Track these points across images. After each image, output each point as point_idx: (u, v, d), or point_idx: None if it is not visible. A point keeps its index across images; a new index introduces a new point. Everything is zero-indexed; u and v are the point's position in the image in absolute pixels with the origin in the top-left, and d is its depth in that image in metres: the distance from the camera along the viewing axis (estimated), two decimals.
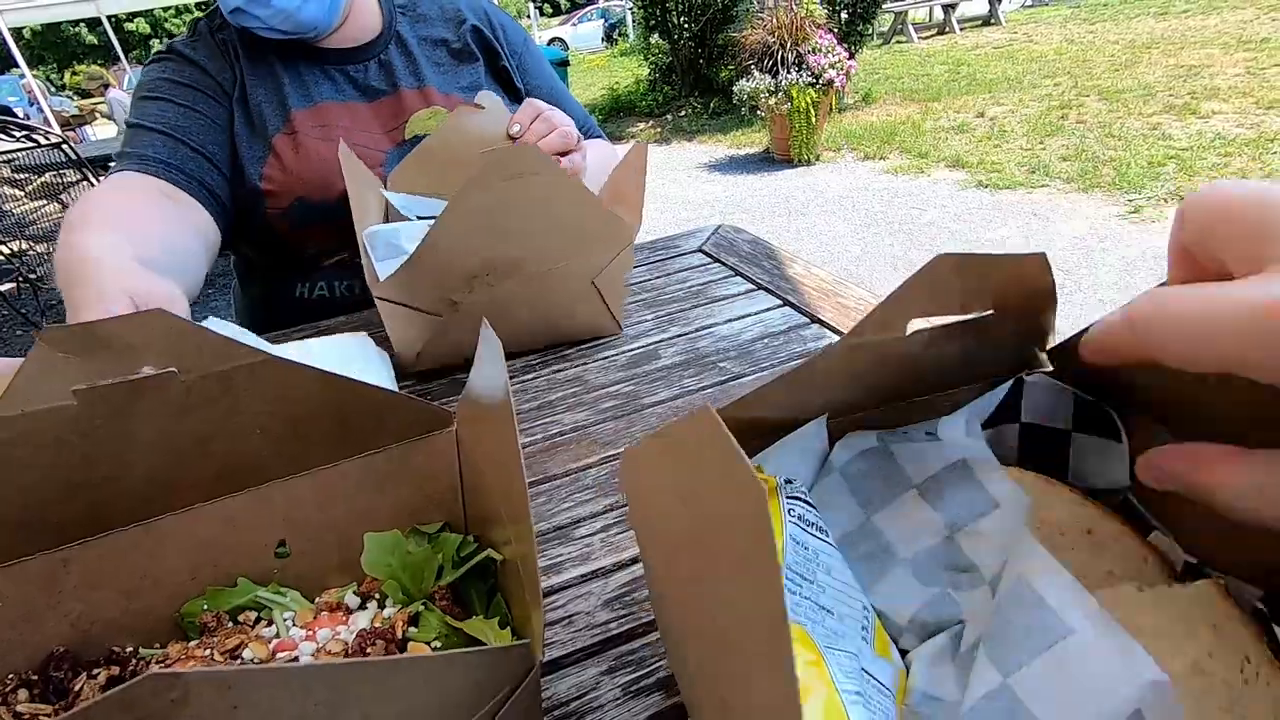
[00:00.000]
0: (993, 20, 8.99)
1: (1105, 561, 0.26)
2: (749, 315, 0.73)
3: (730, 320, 0.73)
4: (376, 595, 0.36)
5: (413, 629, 0.32)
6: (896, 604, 0.26)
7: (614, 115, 7.68)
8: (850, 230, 3.68)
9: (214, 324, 0.57)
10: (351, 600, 0.36)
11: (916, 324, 0.27)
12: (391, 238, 0.62)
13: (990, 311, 0.27)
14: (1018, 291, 0.27)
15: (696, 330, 0.72)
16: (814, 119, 4.69)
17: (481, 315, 0.63)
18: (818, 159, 4.91)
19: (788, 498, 0.26)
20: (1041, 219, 3.43)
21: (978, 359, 0.30)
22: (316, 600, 0.37)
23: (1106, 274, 2.83)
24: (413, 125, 0.91)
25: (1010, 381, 0.31)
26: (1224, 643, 0.23)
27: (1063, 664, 0.20)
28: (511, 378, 0.68)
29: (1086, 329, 0.23)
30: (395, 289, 0.58)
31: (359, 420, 0.38)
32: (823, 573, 0.24)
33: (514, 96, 1.00)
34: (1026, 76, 6.00)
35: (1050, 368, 0.31)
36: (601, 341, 0.72)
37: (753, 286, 0.80)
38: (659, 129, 6.77)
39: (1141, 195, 3.46)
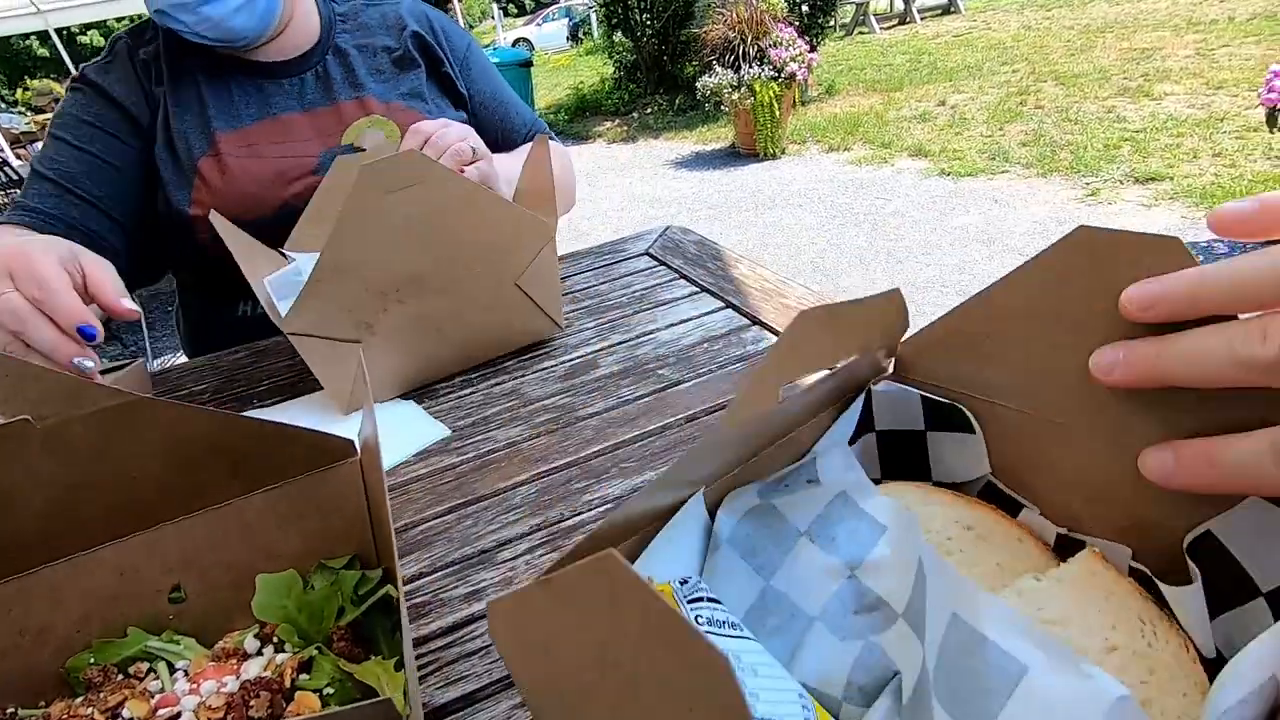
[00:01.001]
0: (952, 9, 9.09)
1: (992, 554, 0.27)
2: (690, 319, 0.72)
3: (672, 325, 0.72)
4: (275, 639, 0.35)
5: (304, 676, 0.31)
6: (826, 674, 0.24)
7: (580, 115, 7.64)
8: (817, 223, 3.70)
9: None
10: (251, 644, 0.35)
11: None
12: (290, 276, 0.60)
13: (855, 357, 0.27)
14: (880, 331, 0.27)
15: (638, 337, 0.71)
16: (778, 112, 4.70)
17: (405, 337, 0.62)
18: (783, 152, 4.93)
19: (688, 601, 0.24)
20: (1003, 205, 3.47)
21: (835, 391, 0.31)
22: (215, 646, 0.35)
23: None
24: (350, 134, 0.89)
25: (861, 395, 0.31)
26: (1120, 611, 0.23)
27: (1029, 706, 0.19)
28: (449, 394, 0.66)
29: (923, 330, 0.23)
30: (301, 320, 0.56)
31: (256, 456, 0.37)
32: (749, 676, 0.22)
33: (457, 102, 0.98)
34: (986, 64, 6.07)
35: (890, 371, 0.32)
36: (542, 351, 0.71)
37: (697, 289, 0.79)
38: (625, 127, 6.75)
39: (1098, 178, 3.52)
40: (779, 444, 0.30)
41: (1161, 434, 0.23)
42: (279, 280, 0.60)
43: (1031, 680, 0.19)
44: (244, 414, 0.67)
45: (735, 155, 5.15)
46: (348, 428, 0.62)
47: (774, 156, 4.87)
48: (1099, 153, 3.77)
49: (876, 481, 0.32)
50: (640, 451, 0.54)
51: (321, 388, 0.63)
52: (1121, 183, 3.43)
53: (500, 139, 1.00)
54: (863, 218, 3.66)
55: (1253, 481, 0.20)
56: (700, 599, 0.24)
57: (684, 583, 0.25)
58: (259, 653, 0.34)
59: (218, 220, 0.60)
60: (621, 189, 4.98)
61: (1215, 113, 3.95)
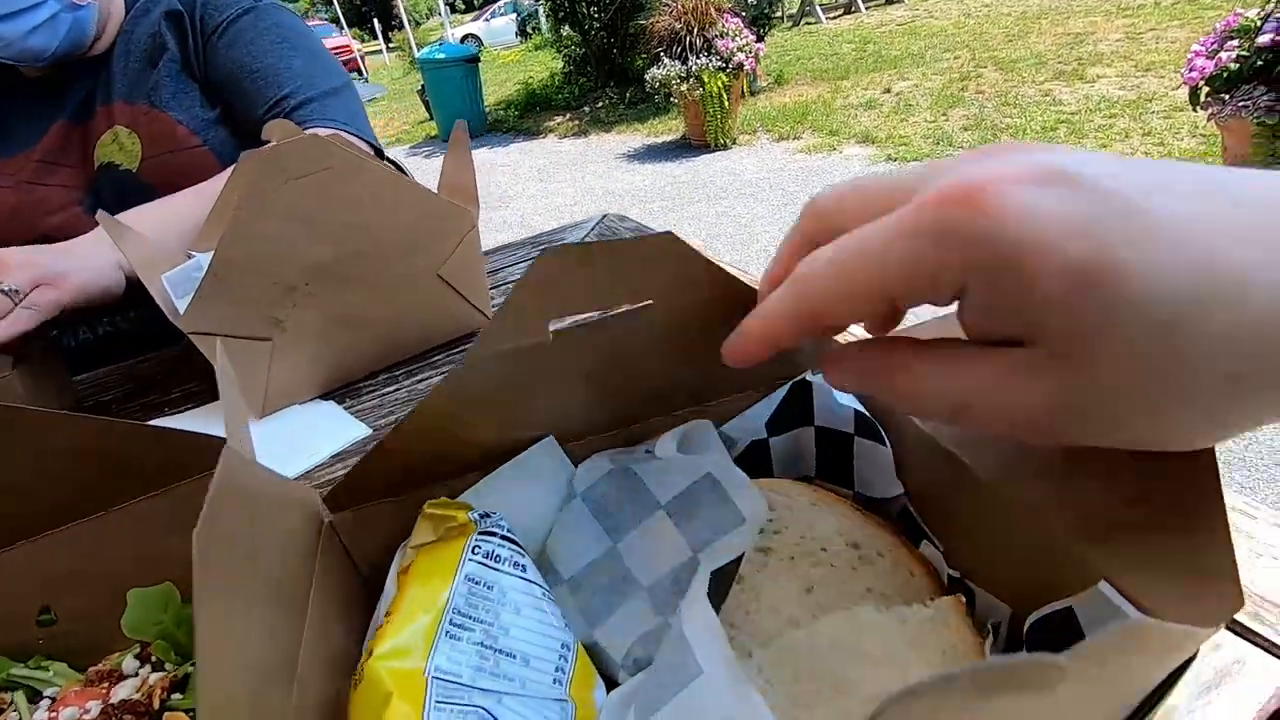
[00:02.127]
0: None
1: (865, 578, 0.25)
2: None
3: None
4: (154, 658, 0.32)
5: (176, 695, 0.29)
6: (617, 639, 0.25)
7: (530, 110, 7.56)
8: (768, 212, 3.72)
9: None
10: (130, 665, 0.32)
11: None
12: (190, 273, 0.57)
13: (649, 301, 0.26)
14: (663, 275, 0.25)
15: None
16: (727, 103, 4.72)
17: (320, 332, 0.60)
18: (734, 143, 4.95)
19: (480, 534, 0.25)
20: None
21: (762, 377, 0.30)
22: (90, 670, 0.33)
23: None
24: (99, 155, 0.81)
25: (786, 387, 0.30)
26: (947, 668, 0.22)
27: (689, 708, 0.19)
28: (372, 392, 0.63)
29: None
30: (202, 318, 0.53)
31: (137, 463, 0.34)
32: (509, 612, 0.23)
33: (201, 86, 0.84)
34: (929, 51, 6.19)
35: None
36: (471, 344, 0.69)
37: None
38: (577, 121, 6.70)
39: None
40: (673, 415, 0.29)
41: (1072, 504, 0.22)
42: (176, 277, 0.56)
43: (697, 685, 0.19)
44: (149, 421, 0.64)
45: (687, 147, 5.15)
46: (260, 432, 0.59)
47: (725, 147, 4.89)
48: (1037, 135, 3.87)
49: (809, 480, 0.32)
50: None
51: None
52: None
53: (266, 116, 0.82)
54: None
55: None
56: (493, 534, 0.25)
57: (485, 516, 0.26)
58: (136, 674, 0.31)
59: (105, 219, 0.56)
60: (574, 184, 4.94)
61: (1144, 94, 4.09)
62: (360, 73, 15.02)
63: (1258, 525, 0.36)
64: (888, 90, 5.33)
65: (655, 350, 0.29)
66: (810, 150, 4.49)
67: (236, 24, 0.83)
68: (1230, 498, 0.37)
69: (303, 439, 0.56)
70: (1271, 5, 2.29)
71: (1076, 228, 0.15)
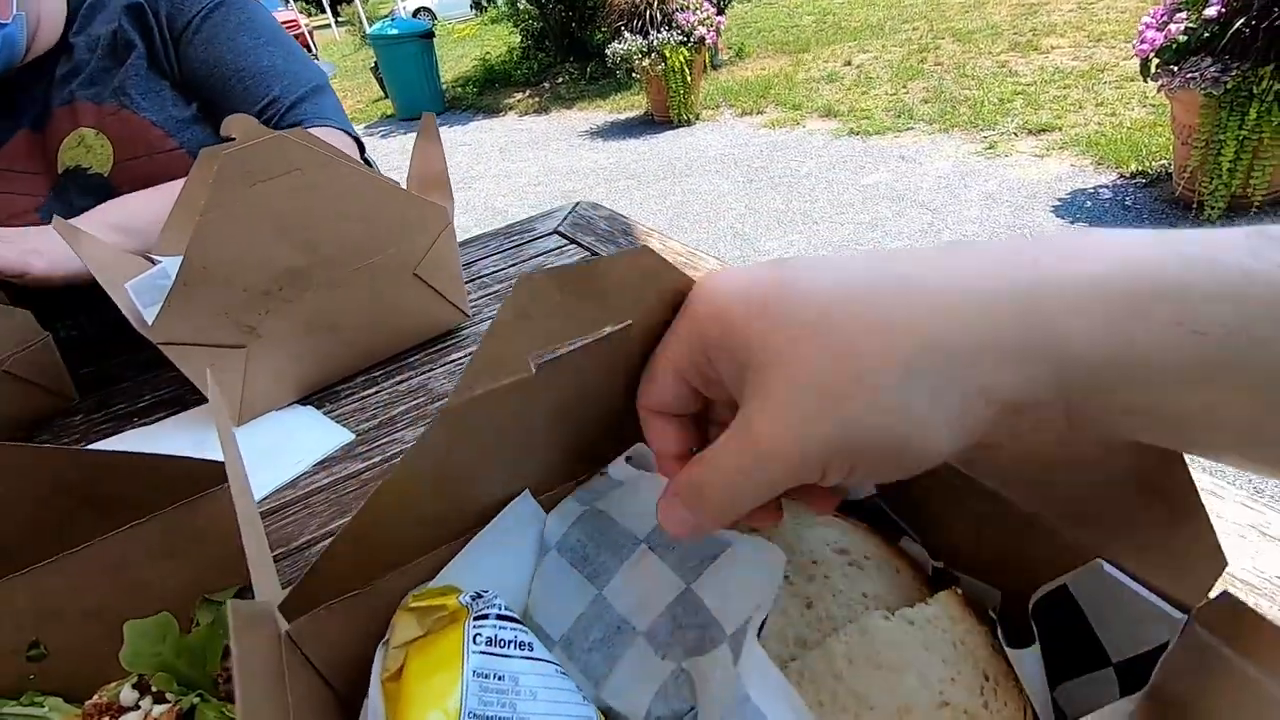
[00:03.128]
0: None
1: (860, 584, 0.26)
2: None
3: None
4: (154, 689, 0.32)
5: None
6: (630, 699, 0.23)
7: (489, 87, 7.38)
8: (734, 188, 3.72)
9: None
10: (128, 696, 0.32)
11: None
12: (156, 280, 0.55)
13: (628, 322, 0.25)
14: (641, 292, 0.25)
15: None
16: (689, 78, 4.67)
17: (296, 337, 0.58)
18: (698, 118, 4.92)
19: (475, 618, 0.23)
20: (910, 161, 3.58)
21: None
22: (87, 703, 0.32)
23: (970, 209, 3.00)
24: (64, 159, 0.77)
25: None
26: (964, 663, 0.23)
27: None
28: (351, 395, 0.62)
29: None
30: (171, 327, 0.51)
31: (115, 490, 0.33)
32: (526, 700, 0.21)
33: (172, 84, 0.82)
34: (888, 23, 6.20)
35: None
36: (450, 342, 0.68)
37: None
38: (537, 98, 6.57)
39: (995, 131, 3.67)
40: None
41: (1055, 495, 0.23)
42: (142, 285, 0.54)
43: None
44: (122, 433, 0.62)
45: (650, 123, 5.10)
46: (242, 440, 0.58)
47: (689, 123, 4.85)
48: (995, 107, 3.93)
49: None
50: None
51: (207, 400, 0.59)
52: (1016, 135, 3.59)
53: (259, 118, 0.80)
54: (778, 180, 3.70)
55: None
56: (488, 616, 0.23)
57: (477, 597, 0.24)
58: (136, 705, 0.31)
59: (60, 225, 0.53)
60: (538, 162, 4.86)
61: (1097, 64, 4.17)
62: (309, 49, 14.47)
63: (1225, 505, 0.38)
64: (848, 63, 5.34)
65: (633, 374, 0.28)
66: (774, 125, 4.49)
67: (209, 19, 0.80)
68: (1198, 478, 0.38)
69: (285, 447, 0.55)
70: None
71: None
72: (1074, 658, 0.23)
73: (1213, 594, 0.20)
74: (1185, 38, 2.38)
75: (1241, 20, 2.22)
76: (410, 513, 0.26)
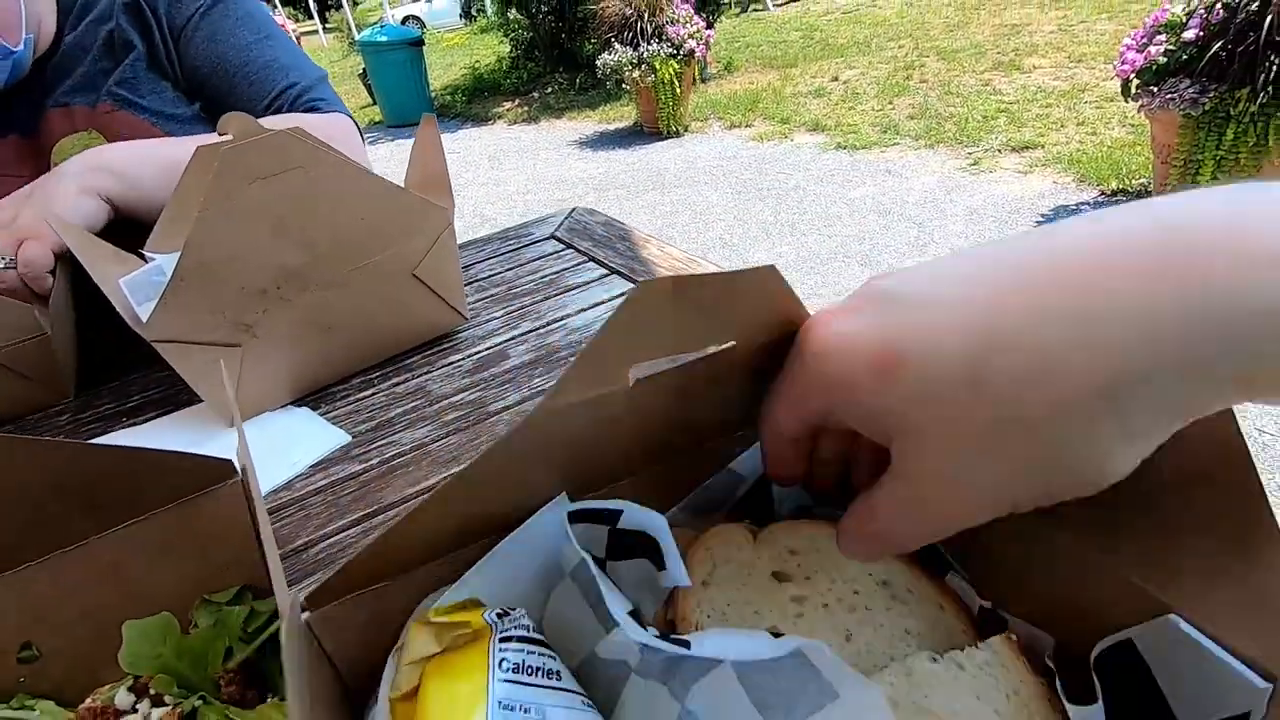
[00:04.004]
0: None
1: (902, 618, 0.25)
2: (602, 303, 0.70)
3: (583, 310, 0.70)
4: (152, 691, 0.31)
5: None
6: None
7: (478, 96, 7.39)
8: (723, 200, 3.74)
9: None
10: (123, 699, 0.31)
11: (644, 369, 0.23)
12: (150, 277, 0.54)
13: (732, 343, 0.24)
14: (754, 313, 0.24)
15: (548, 324, 0.68)
16: (679, 90, 4.71)
17: (293, 337, 0.57)
18: (687, 130, 4.95)
19: (500, 640, 0.21)
20: (895, 176, 3.63)
21: (736, 401, 0.27)
22: (81, 706, 0.31)
23: (955, 224, 3.04)
24: (58, 155, 0.76)
25: None
26: (1018, 714, 0.21)
27: None
28: (347, 396, 0.62)
29: None
30: (167, 325, 0.50)
31: (116, 489, 0.32)
32: None
33: (174, 83, 0.82)
34: (873, 40, 6.30)
35: None
36: (447, 344, 0.67)
37: (607, 272, 0.77)
38: (526, 108, 6.59)
39: (979, 147, 3.73)
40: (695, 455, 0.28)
41: (1087, 513, 0.22)
42: (136, 282, 0.53)
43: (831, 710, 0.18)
44: (111, 433, 0.60)
45: (639, 134, 5.13)
46: (235, 442, 0.57)
47: (678, 134, 4.88)
48: (979, 124, 3.99)
49: (807, 509, 0.30)
50: None
51: (200, 400, 0.58)
52: (1000, 151, 3.65)
53: (269, 109, 0.81)
54: (766, 192, 3.73)
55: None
56: (512, 638, 0.22)
57: (504, 615, 0.23)
58: (133, 709, 0.30)
59: (54, 220, 0.52)
60: (526, 171, 4.86)
61: (1078, 84, 4.26)
62: None
63: None
64: (835, 78, 5.41)
65: (726, 396, 0.27)
66: (762, 138, 4.53)
67: (210, 15, 0.79)
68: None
69: (280, 448, 0.54)
70: (1196, 2, 2.41)
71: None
72: (1135, 717, 0.21)
73: None
74: (1164, 60, 2.44)
75: (1219, 44, 2.28)
76: (469, 518, 0.25)
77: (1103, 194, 3.04)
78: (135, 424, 0.61)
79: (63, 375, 0.66)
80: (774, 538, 0.27)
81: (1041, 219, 2.93)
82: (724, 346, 0.24)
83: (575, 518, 0.25)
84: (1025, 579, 0.25)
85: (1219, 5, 2.32)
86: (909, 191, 3.42)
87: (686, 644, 0.20)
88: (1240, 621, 0.19)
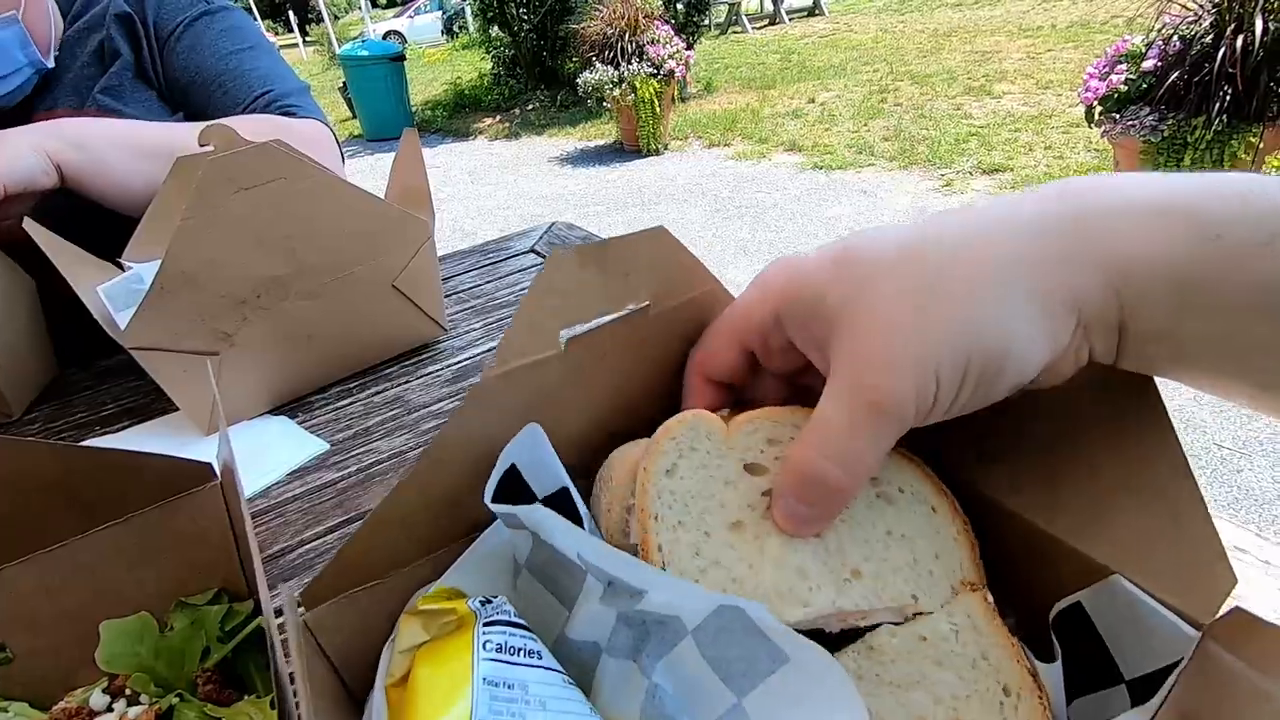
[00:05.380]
0: (817, 11, 9.58)
1: (884, 519, 0.25)
2: None
3: None
4: (128, 691, 0.31)
5: None
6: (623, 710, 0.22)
7: (459, 112, 7.42)
8: (702, 217, 3.79)
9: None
10: (98, 700, 0.31)
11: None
12: (129, 285, 0.54)
13: (646, 303, 0.26)
14: (657, 270, 0.26)
15: None
16: (659, 109, 4.77)
17: (272, 346, 0.58)
18: (666, 148, 5.01)
19: (485, 624, 0.22)
20: (870, 196, 3.70)
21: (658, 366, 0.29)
22: (54, 707, 0.31)
23: None
24: None
25: None
26: (985, 679, 0.22)
27: (785, 688, 0.19)
28: (325, 405, 0.62)
29: None
30: (146, 333, 0.50)
31: (97, 490, 0.32)
32: (536, 710, 0.20)
33: (158, 92, 0.83)
34: (849, 64, 6.44)
35: None
36: (426, 355, 0.68)
37: None
38: (507, 124, 6.62)
39: (951, 170, 3.83)
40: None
41: (1031, 495, 0.24)
42: (115, 289, 0.54)
43: (787, 670, 0.19)
44: (85, 441, 0.60)
45: (620, 151, 5.18)
46: (211, 450, 0.57)
47: (657, 152, 4.94)
48: (951, 146, 4.10)
49: None
50: None
51: (177, 408, 0.58)
52: (971, 174, 3.74)
53: (245, 112, 0.82)
54: (744, 211, 3.79)
55: None
56: (497, 621, 0.22)
57: (487, 602, 0.23)
58: (109, 709, 0.30)
59: (32, 227, 0.52)
60: (507, 187, 4.88)
61: (1045, 110, 4.40)
62: None
63: None
64: (812, 100, 5.52)
65: (649, 355, 0.29)
66: (740, 157, 4.60)
67: (194, 26, 0.81)
68: None
69: (257, 456, 0.54)
70: (1154, 34, 2.51)
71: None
72: (1088, 674, 0.22)
73: (1223, 609, 0.20)
74: (1125, 88, 2.54)
75: (1176, 74, 2.38)
76: (438, 499, 0.26)
77: None
78: (109, 432, 0.61)
79: (7, 392, 0.64)
80: (751, 425, 0.26)
81: None
82: (640, 305, 0.26)
83: (509, 503, 0.26)
84: (989, 558, 0.26)
85: (1175, 37, 2.42)
86: (883, 212, 3.49)
87: (642, 593, 0.21)
88: (1173, 579, 0.21)
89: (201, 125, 0.69)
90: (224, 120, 0.76)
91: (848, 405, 0.21)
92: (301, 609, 0.25)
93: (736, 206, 3.85)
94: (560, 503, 0.28)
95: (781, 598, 0.22)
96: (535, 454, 0.26)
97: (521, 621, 0.24)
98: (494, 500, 0.26)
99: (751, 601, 0.20)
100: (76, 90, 0.77)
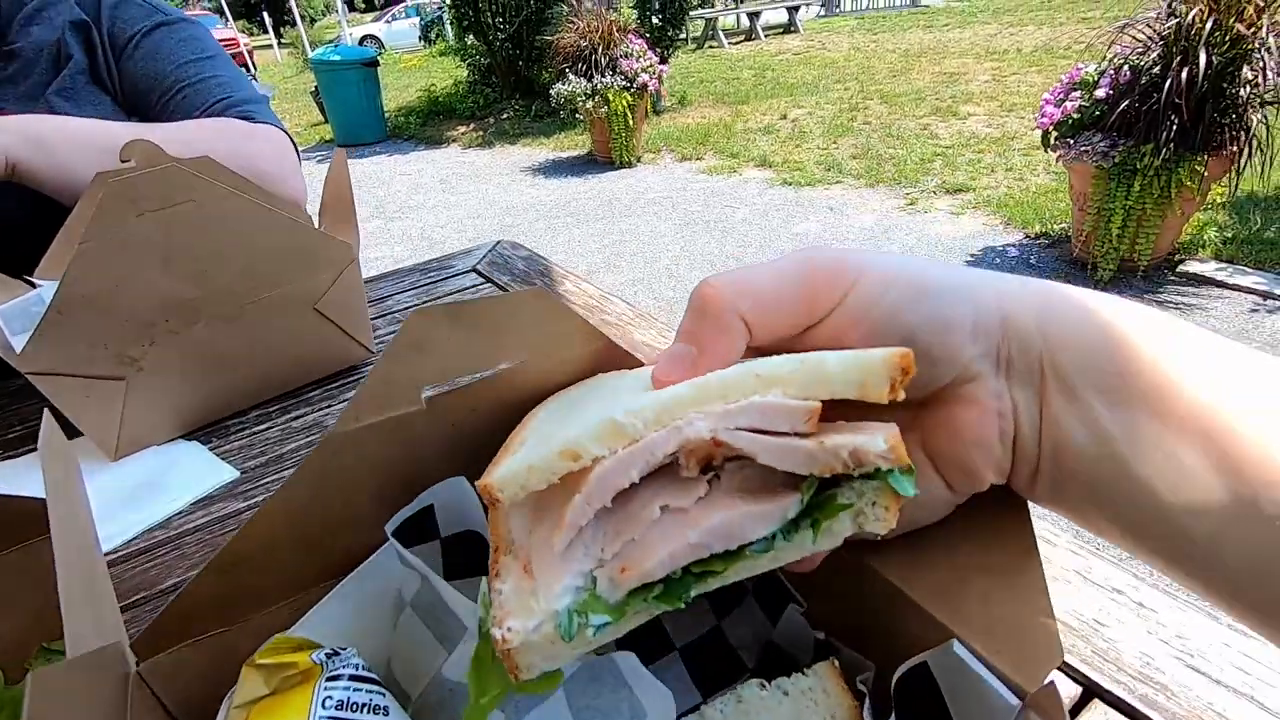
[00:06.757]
0: (792, 28, 9.73)
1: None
2: None
3: None
4: None
5: None
6: None
7: (433, 118, 7.38)
8: (672, 230, 3.81)
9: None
10: None
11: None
12: (29, 306, 0.53)
13: (523, 360, 0.26)
14: (536, 330, 0.26)
15: None
16: (631, 122, 4.80)
17: (182, 370, 0.57)
18: (639, 161, 5.04)
19: (328, 679, 0.22)
20: (837, 213, 3.76)
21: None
22: None
23: None
24: None
25: None
26: None
27: None
28: (241, 430, 0.61)
29: None
30: (43, 357, 0.49)
31: None
32: None
33: (114, 97, 0.82)
34: (822, 81, 6.55)
35: None
36: (352, 378, 0.67)
37: None
38: (481, 132, 6.60)
39: (916, 188, 3.90)
40: None
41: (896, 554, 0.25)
42: (12, 310, 0.52)
43: None
44: None
45: (593, 163, 5.19)
46: (119, 474, 0.55)
47: (630, 165, 4.97)
48: (917, 166, 4.18)
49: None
50: None
51: (80, 434, 0.56)
52: (935, 193, 3.82)
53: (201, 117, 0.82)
54: (714, 224, 3.82)
55: None
56: (341, 676, 0.22)
57: (333, 655, 0.23)
58: None
59: None
60: (478, 195, 4.86)
61: (1007, 132, 4.51)
62: (249, 68, 14.15)
63: (1056, 551, 0.41)
64: (784, 116, 5.59)
65: (523, 412, 0.28)
66: (712, 171, 4.64)
67: (151, 36, 0.81)
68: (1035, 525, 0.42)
69: (160, 484, 0.53)
70: (1106, 62, 2.59)
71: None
72: None
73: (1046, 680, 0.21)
74: (1079, 115, 2.61)
75: (1126, 102, 2.45)
76: (281, 549, 0.25)
77: (1027, 237, 3.21)
78: (12, 457, 0.59)
79: None
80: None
81: (971, 259, 3.07)
82: (515, 364, 0.26)
83: (407, 540, 0.26)
84: (850, 610, 0.27)
85: (1126, 66, 2.50)
86: (849, 229, 3.54)
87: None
88: (1006, 645, 0.22)
89: (160, 127, 0.68)
90: (184, 123, 0.78)
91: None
92: (136, 660, 0.24)
93: (706, 220, 3.88)
94: (465, 544, 0.29)
95: None
96: (454, 499, 0.27)
97: (371, 675, 0.24)
98: (395, 534, 0.26)
99: (622, 652, 0.20)
100: (30, 94, 0.76)
